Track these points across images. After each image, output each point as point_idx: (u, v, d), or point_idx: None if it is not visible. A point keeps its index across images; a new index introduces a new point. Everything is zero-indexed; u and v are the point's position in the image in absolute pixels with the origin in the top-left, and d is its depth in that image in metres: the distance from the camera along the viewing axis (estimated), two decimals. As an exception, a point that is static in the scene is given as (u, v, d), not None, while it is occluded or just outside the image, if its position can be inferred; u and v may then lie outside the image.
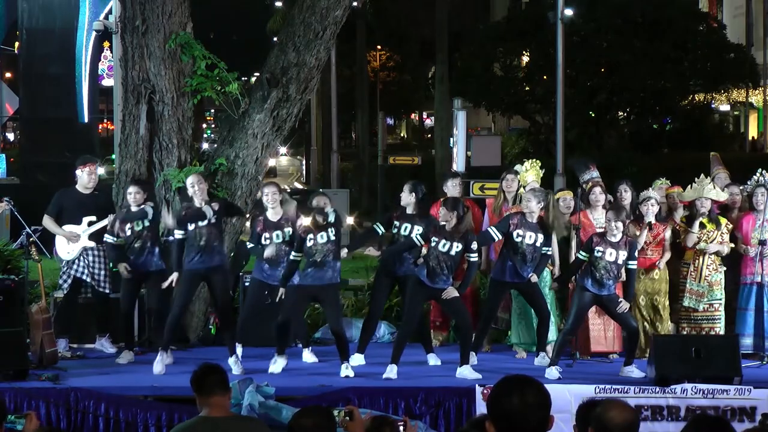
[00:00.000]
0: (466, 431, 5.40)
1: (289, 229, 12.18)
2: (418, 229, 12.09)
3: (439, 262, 11.54)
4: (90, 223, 12.84)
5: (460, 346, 11.81)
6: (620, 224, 11.63)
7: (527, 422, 4.86)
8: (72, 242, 12.80)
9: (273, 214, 12.29)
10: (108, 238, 12.43)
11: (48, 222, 12.92)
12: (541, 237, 12.01)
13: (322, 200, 12.24)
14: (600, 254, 11.61)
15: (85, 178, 12.99)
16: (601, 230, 12.00)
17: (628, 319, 11.76)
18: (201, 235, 11.85)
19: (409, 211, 12.38)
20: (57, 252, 12.96)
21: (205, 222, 11.87)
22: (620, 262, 11.64)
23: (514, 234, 12.01)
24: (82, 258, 12.81)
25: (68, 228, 12.86)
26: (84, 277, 12.81)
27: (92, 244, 12.84)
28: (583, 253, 11.73)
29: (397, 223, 12.36)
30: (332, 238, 11.65)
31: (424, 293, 11.73)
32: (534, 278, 12.08)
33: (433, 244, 11.60)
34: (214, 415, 6.80)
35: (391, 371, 11.47)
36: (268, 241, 12.16)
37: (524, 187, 12.89)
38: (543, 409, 4.89)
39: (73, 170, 13.10)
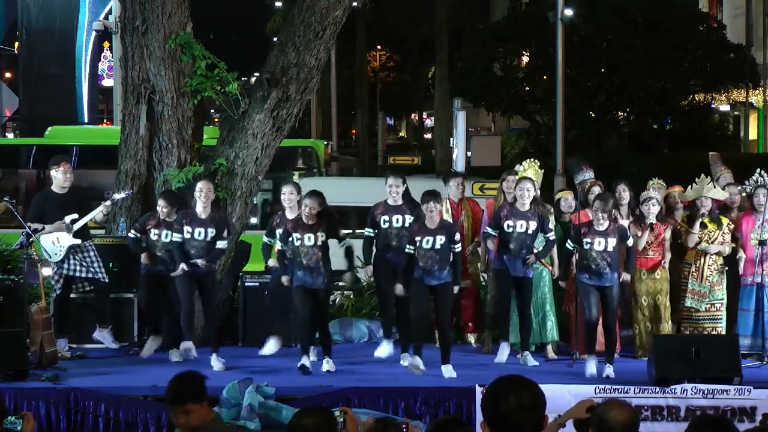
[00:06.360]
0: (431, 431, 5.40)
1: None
2: (408, 219, 12.07)
3: (428, 260, 11.59)
4: (73, 221, 12.77)
5: (440, 345, 11.85)
6: (605, 214, 11.65)
7: (522, 423, 4.85)
8: (61, 234, 12.67)
9: (291, 214, 12.20)
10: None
11: (33, 227, 12.74)
12: (533, 224, 12.06)
13: (315, 201, 11.86)
14: (588, 245, 11.65)
15: (61, 177, 12.87)
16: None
17: (609, 315, 11.79)
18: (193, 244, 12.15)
19: (392, 202, 12.26)
20: (45, 255, 12.82)
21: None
22: (611, 249, 11.66)
23: (505, 225, 12.11)
24: (71, 256, 12.71)
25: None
26: (77, 273, 12.73)
27: (78, 241, 12.76)
28: (571, 244, 11.78)
29: (386, 217, 12.24)
30: (319, 243, 11.70)
31: (424, 289, 11.75)
32: (532, 259, 12.08)
33: (417, 244, 11.62)
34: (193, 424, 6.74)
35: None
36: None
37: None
38: (538, 409, 4.89)
39: (48, 171, 13.01)
